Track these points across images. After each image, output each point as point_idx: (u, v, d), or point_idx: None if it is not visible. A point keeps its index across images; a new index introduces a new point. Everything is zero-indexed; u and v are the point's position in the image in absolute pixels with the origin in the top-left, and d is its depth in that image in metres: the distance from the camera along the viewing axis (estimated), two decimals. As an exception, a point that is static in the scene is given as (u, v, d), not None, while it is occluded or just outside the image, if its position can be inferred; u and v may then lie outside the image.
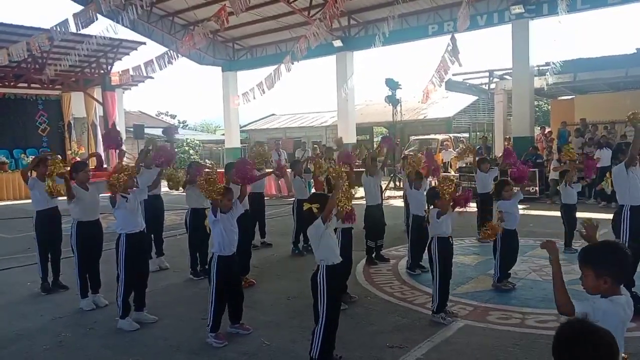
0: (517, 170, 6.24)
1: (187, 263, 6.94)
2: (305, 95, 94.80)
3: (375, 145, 29.63)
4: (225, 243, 4.59)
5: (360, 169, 7.95)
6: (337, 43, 19.43)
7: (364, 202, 7.34)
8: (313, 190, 7.94)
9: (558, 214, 8.04)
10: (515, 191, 6.12)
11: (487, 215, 8.34)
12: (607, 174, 5.80)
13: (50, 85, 19.94)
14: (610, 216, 5.65)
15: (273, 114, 37.58)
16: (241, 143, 27.06)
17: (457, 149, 18.83)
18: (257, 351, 4.41)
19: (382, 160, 8.29)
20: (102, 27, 13.51)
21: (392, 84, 17.48)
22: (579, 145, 15.46)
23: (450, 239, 5.06)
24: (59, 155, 6.56)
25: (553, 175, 13.13)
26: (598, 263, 2.24)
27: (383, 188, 7.95)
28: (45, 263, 6.34)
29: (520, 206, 6.30)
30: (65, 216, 6.33)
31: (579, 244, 7.85)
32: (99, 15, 12.28)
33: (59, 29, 12.33)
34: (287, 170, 9.49)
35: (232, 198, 4.70)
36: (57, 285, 6.39)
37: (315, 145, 20.88)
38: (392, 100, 17.70)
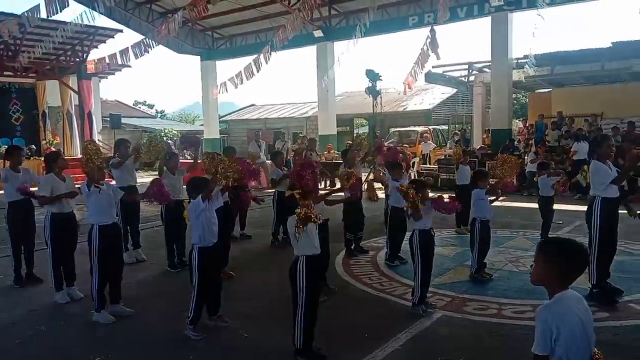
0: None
1: (164, 255, 6.86)
2: (286, 86, 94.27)
3: (354, 137, 29.68)
4: (205, 234, 4.54)
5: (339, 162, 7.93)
6: (318, 33, 19.34)
7: (342, 194, 7.33)
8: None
9: (534, 205, 8.13)
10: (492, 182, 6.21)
11: (465, 206, 8.40)
12: (585, 167, 5.86)
13: (24, 73, 19.43)
14: (584, 208, 5.72)
15: (253, 105, 37.35)
16: (220, 134, 26.82)
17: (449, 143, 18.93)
18: (236, 343, 4.38)
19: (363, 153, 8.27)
20: (77, 13, 13.21)
21: (372, 76, 17.47)
22: (556, 137, 15.70)
23: (432, 231, 5.07)
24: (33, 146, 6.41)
25: (530, 167, 13.29)
26: (552, 252, 2.25)
27: (362, 180, 7.93)
28: (18, 255, 6.20)
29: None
30: (38, 207, 6.19)
31: (553, 235, 7.98)
32: (73, 2, 11.99)
33: (30, 15, 11.99)
34: (267, 162, 9.43)
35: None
36: (30, 277, 6.25)
37: (302, 135, 20.78)
38: (373, 92, 17.70)
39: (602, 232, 5.15)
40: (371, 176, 14.51)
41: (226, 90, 16.01)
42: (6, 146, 14.53)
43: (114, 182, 6.91)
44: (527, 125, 18.56)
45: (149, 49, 14.68)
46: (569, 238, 2.37)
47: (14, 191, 6.04)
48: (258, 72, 14.82)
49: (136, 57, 14.91)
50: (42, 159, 5.92)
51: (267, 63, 14.52)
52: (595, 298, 5.08)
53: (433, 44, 11.31)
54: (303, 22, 14.23)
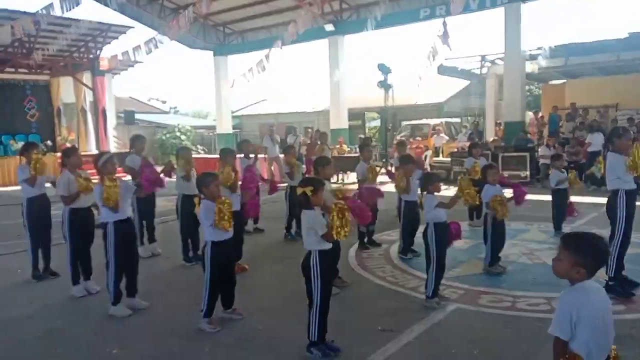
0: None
1: (179, 249, 6.91)
2: (297, 80, 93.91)
3: (367, 130, 29.60)
4: (217, 230, 4.55)
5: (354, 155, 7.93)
6: (329, 27, 19.29)
7: (357, 187, 7.35)
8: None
9: (548, 197, 8.08)
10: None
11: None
12: (599, 158, 5.74)
13: (39, 70, 19.67)
14: (599, 200, 5.67)
15: (264, 99, 37.36)
16: (233, 128, 26.90)
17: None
18: (250, 336, 4.42)
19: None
20: (90, 10, 13.36)
21: (384, 69, 17.41)
22: (570, 129, 15.53)
23: (447, 224, 5.05)
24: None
25: (543, 160, 13.19)
26: (580, 252, 2.29)
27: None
28: (36, 250, 6.29)
29: (509, 190, 6.31)
30: (54, 203, 6.28)
31: (568, 228, 7.92)
32: (86, -1, 12.11)
33: (44, 12, 12.12)
34: (281, 156, 9.44)
35: (220, 184, 4.70)
36: (47, 272, 6.35)
37: (309, 130, 20.80)
38: (384, 85, 17.64)
39: (627, 225, 5.09)
40: (383, 170, 14.51)
41: (234, 85, 16.10)
42: (23, 142, 14.77)
43: (128, 177, 7.00)
44: (540, 116, 18.39)
45: (159, 44, 14.79)
46: (590, 232, 2.39)
47: (31, 187, 6.13)
48: (270, 66, 14.87)
49: (147, 53, 15.03)
50: (59, 154, 5.97)
51: (278, 56, 14.56)
52: (612, 291, 5.03)
53: (445, 36, 11.27)
54: (314, 16, 14.21)
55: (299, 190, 3.94)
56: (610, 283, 5.11)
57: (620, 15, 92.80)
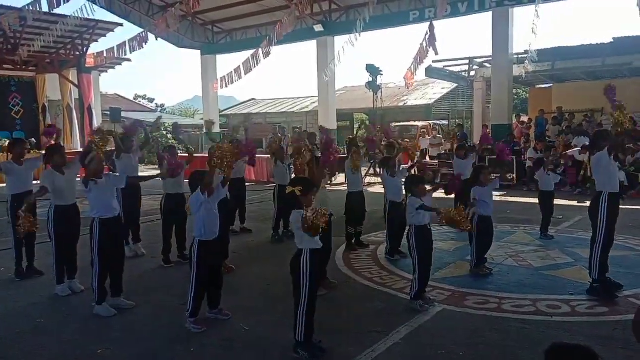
0: (498, 150, 6.04)
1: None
2: (286, 80, 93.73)
3: (355, 132, 29.69)
4: (206, 227, 4.54)
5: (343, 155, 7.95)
6: (318, 28, 19.29)
7: (345, 188, 7.36)
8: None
9: (535, 200, 8.16)
10: (492, 178, 6.18)
11: (464, 201, 8.41)
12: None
13: (24, 67, 19.36)
14: (585, 203, 5.73)
15: (253, 99, 37.28)
16: (220, 128, 26.77)
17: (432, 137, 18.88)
18: (236, 337, 4.40)
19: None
20: (78, 6, 13.20)
21: (373, 70, 17.45)
22: (556, 133, 15.69)
23: (429, 226, 5.06)
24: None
25: (530, 163, 13.30)
26: None
27: (363, 174, 7.94)
28: (20, 248, 6.20)
29: (497, 193, 6.36)
30: (39, 200, 6.19)
31: (554, 230, 8.00)
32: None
33: (31, 8, 11.96)
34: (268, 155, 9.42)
35: (215, 182, 4.68)
36: (32, 270, 6.27)
37: (296, 130, 20.79)
38: (373, 87, 17.69)
39: (609, 228, 5.15)
40: (371, 171, 14.51)
41: (226, 85, 16.04)
42: (7, 139, 14.57)
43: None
44: (527, 119, 18.58)
45: (144, 43, 14.65)
46: (579, 345, 2.07)
47: (17, 183, 6.06)
48: (257, 65, 14.82)
49: (132, 51, 14.87)
50: (43, 152, 5.92)
51: (266, 56, 14.52)
52: (595, 293, 5.10)
53: (431, 39, 11.30)
54: (301, 16, 14.20)
55: (289, 189, 3.93)
56: (594, 285, 5.17)
57: (605, 21, 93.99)
